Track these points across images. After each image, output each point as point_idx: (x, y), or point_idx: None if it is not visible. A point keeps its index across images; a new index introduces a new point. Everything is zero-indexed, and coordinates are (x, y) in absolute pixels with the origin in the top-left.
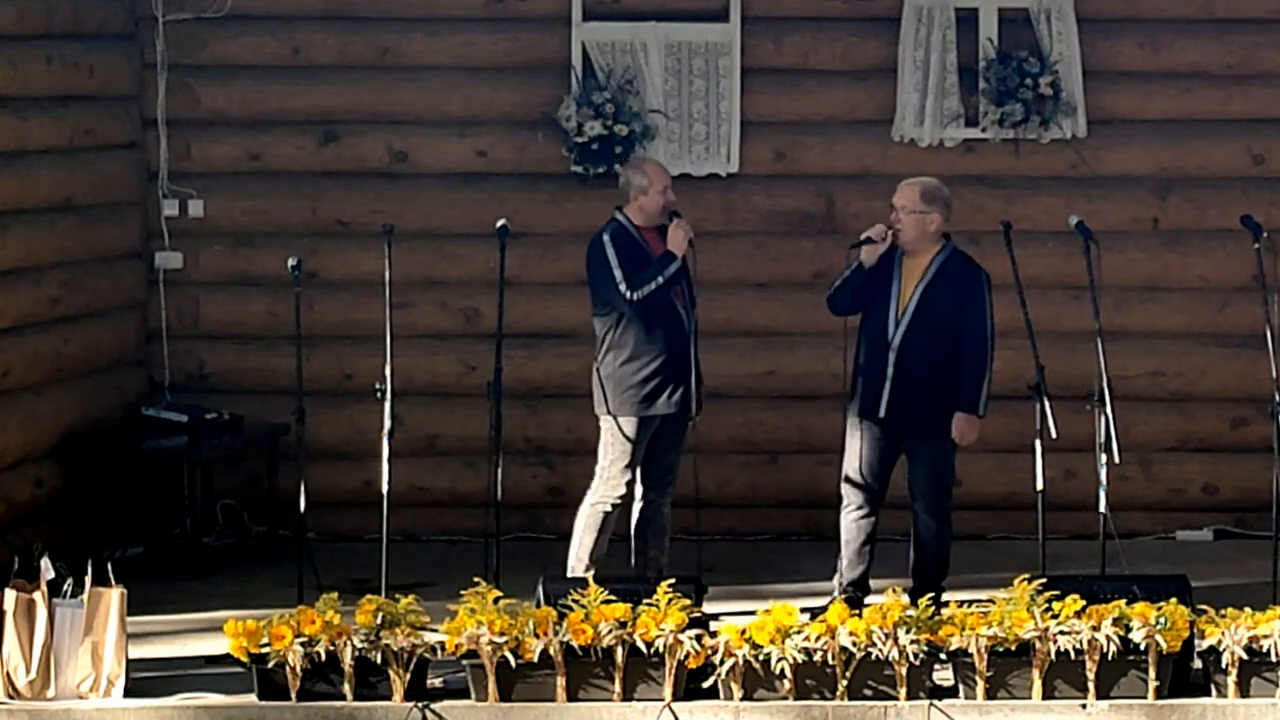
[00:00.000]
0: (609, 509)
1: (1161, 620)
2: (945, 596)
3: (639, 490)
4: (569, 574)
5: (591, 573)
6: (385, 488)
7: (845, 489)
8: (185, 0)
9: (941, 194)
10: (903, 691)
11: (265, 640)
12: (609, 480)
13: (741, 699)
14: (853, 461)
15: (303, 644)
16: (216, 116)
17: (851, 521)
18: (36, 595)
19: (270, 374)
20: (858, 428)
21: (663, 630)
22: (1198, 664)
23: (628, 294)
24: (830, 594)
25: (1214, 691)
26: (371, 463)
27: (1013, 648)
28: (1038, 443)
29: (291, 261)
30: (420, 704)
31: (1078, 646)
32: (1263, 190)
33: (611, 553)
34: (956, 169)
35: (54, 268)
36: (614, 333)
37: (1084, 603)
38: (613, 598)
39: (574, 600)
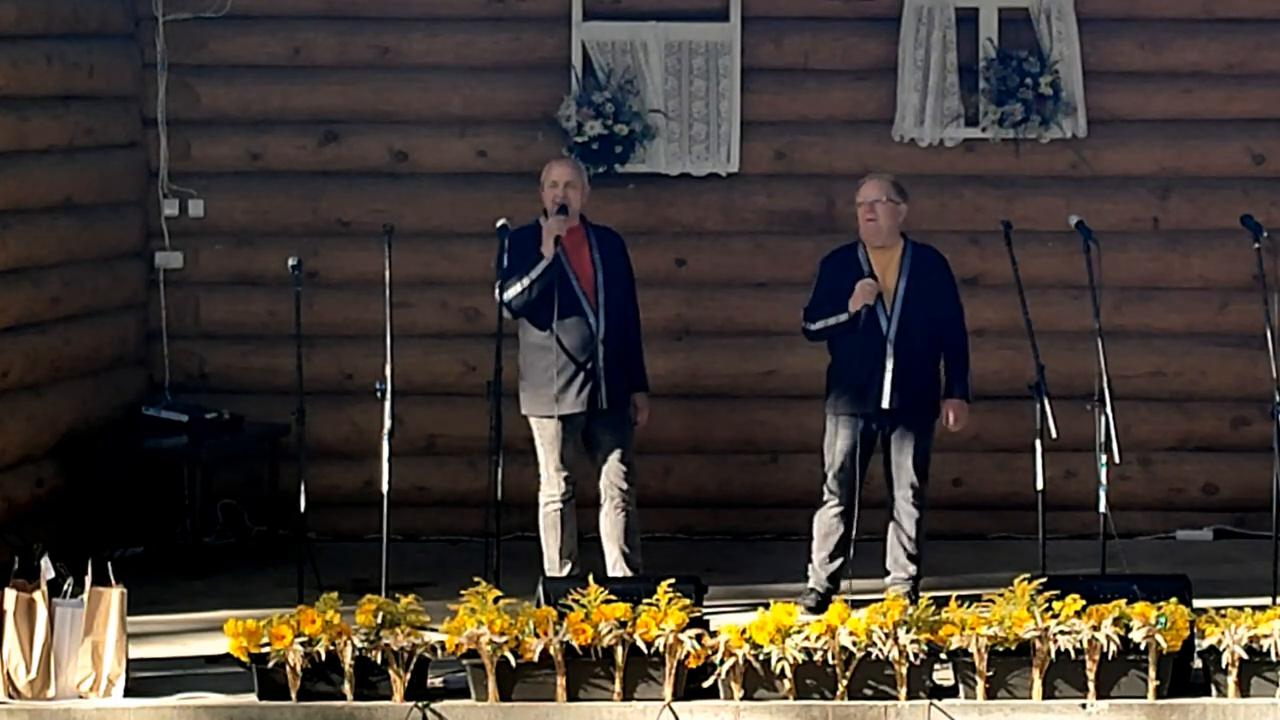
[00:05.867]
0: (558, 508)
1: (1161, 620)
2: (944, 595)
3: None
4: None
5: (568, 569)
6: (385, 488)
7: (830, 486)
8: (185, 0)
9: (902, 186)
10: (903, 691)
11: (265, 640)
12: (547, 481)
13: (741, 699)
14: (839, 460)
15: (303, 644)
16: (216, 116)
17: (832, 517)
18: (36, 595)
19: (270, 374)
20: (846, 426)
21: (663, 630)
22: (1198, 664)
23: (499, 295)
24: (806, 592)
25: (1214, 691)
26: (371, 463)
27: (1013, 647)
28: (1038, 443)
29: (291, 261)
30: (420, 704)
31: (1078, 646)
32: (1263, 190)
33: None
34: (956, 169)
35: (54, 267)
36: (522, 333)
37: (1084, 603)
38: (613, 598)
39: (574, 600)
